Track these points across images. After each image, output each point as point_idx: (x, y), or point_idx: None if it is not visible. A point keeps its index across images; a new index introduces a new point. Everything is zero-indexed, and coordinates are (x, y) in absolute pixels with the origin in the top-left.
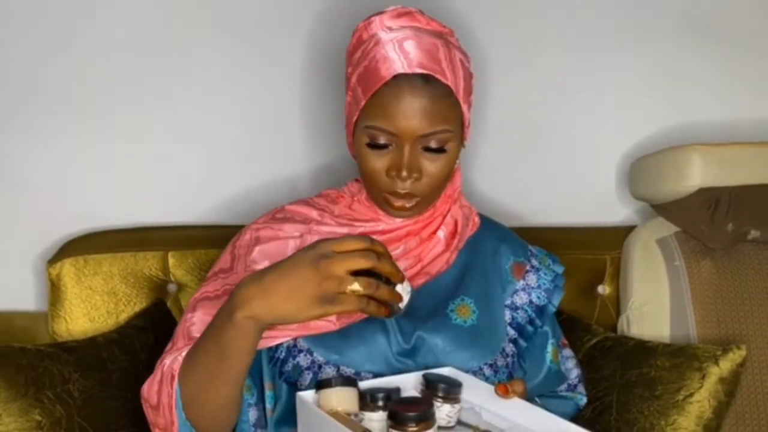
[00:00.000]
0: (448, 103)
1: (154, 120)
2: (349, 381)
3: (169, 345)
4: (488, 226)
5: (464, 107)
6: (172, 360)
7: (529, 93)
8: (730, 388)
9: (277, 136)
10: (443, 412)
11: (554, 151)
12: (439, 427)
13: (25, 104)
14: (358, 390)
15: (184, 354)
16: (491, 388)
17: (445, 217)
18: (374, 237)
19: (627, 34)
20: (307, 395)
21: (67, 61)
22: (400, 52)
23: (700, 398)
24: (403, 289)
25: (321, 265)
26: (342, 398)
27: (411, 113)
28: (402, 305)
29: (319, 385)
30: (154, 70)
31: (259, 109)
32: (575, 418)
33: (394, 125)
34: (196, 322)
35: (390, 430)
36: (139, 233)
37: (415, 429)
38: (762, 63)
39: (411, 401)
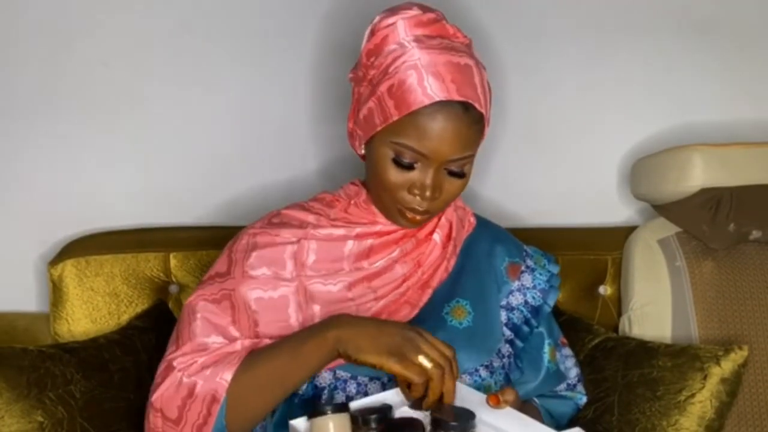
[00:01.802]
0: (478, 129)
1: (156, 121)
2: (341, 407)
3: (173, 347)
4: (484, 226)
5: (487, 129)
6: (206, 380)
7: (530, 94)
8: (732, 389)
9: (277, 137)
10: None
11: (555, 151)
12: None
13: (27, 106)
14: (350, 415)
15: (228, 375)
16: (483, 397)
17: (440, 218)
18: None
19: (628, 34)
20: (299, 424)
21: (69, 63)
22: (440, 74)
23: (702, 398)
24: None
25: (410, 333)
26: (334, 425)
27: (446, 138)
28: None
29: (311, 413)
30: (156, 71)
31: (260, 111)
32: (575, 418)
33: (427, 148)
34: (200, 326)
35: None
36: (140, 234)
37: None
38: (763, 63)
39: (403, 423)
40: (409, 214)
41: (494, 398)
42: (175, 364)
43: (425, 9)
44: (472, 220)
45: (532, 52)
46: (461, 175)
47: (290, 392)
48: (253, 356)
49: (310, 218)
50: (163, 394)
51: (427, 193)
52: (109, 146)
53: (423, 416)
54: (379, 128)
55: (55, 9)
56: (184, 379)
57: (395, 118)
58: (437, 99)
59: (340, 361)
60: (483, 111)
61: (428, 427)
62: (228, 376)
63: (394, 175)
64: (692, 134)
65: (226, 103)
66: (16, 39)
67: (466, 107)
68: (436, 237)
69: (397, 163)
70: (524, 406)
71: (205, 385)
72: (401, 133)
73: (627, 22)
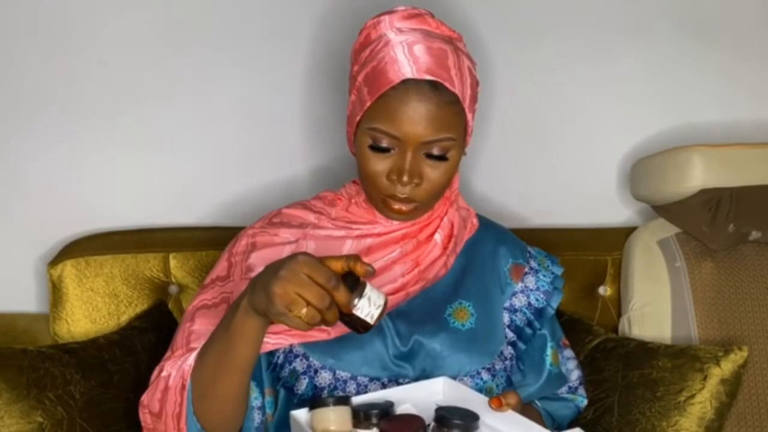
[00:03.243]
0: (453, 111)
1: (155, 121)
2: (342, 400)
3: (168, 353)
4: (487, 227)
5: (469, 115)
6: (178, 369)
7: (530, 94)
8: (732, 389)
9: (276, 137)
10: None
11: (555, 152)
12: None
13: (26, 107)
14: (352, 408)
15: (192, 359)
16: (485, 400)
17: (442, 219)
18: (371, 238)
19: (628, 35)
20: (300, 414)
21: (68, 64)
22: (409, 56)
23: (702, 399)
24: (372, 303)
25: (279, 275)
26: (335, 417)
27: (416, 119)
28: (371, 319)
29: (313, 404)
30: (155, 72)
31: (259, 111)
32: (576, 420)
33: (399, 129)
34: (195, 331)
35: None
36: (140, 235)
37: None
38: (763, 64)
39: (403, 419)
40: (395, 205)
41: (496, 401)
42: (166, 365)
43: (412, 8)
44: (475, 221)
45: (532, 52)
46: (442, 159)
47: (247, 370)
48: (203, 347)
49: (311, 217)
50: (148, 394)
51: (405, 178)
52: (108, 147)
53: (426, 414)
54: (358, 118)
55: (55, 9)
56: (163, 374)
57: (368, 103)
58: (404, 78)
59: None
60: (456, 92)
61: (432, 424)
62: (191, 360)
63: (373, 162)
64: (692, 135)
65: (226, 104)
66: (15, 39)
67: (435, 86)
68: (437, 237)
69: (375, 149)
70: (525, 408)
71: (176, 374)
72: (375, 117)
73: (627, 22)
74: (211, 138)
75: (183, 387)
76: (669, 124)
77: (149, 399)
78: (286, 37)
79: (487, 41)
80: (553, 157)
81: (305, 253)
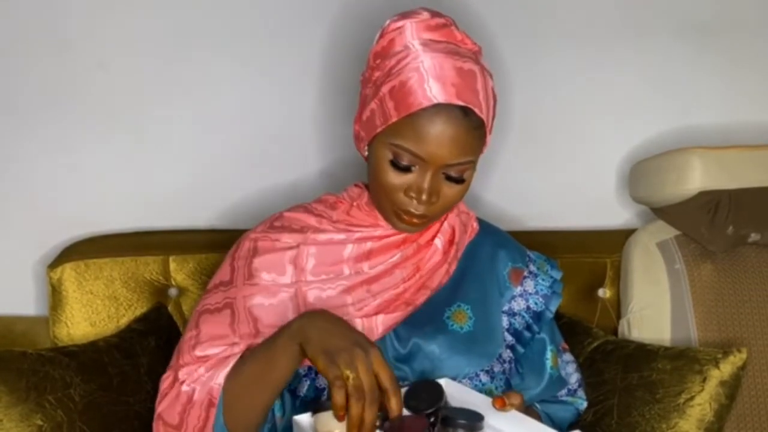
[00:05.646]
0: (478, 135)
1: (155, 124)
2: None
3: (174, 359)
4: (487, 231)
5: (489, 136)
6: (203, 385)
7: (529, 97)
8: (731, 391)
9: (277, 140)
10: None
11: (555, 154)
12: None
13: (26, 109)
14: None
15: (221, 377)
16: (488, 400)
17: (442, 224)
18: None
19: (627, 37)
20: (303, 419)
21: (68, 67)
22: (442, 77)
23: (701, 401)
24: None
25: (359, 351)
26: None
27: (444, 142)
28: None
29: (316, 408)
30: (156, 75)
31: (260, 114)
32: (576, 423)
33: (424, 150)
34: (200, 337)
35: None
36: (139, 237)
37: None
38: (762, 66)
39: (406, 421)
40: (406, 217)
41: (500, 401)
42: (180, 375)
43: (435, 14)
44: (475, 225)
45: (531, 54)
46: (460, 181)
47: (279, 389)
48: (240, 359)
49: (312, 220)
50: (164, 402)
51: (424, 197)
52: (108, 149)
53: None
54: (379, 129)
55: (55, 12)
56: (184, 388)
57: (394, 119)
58: (436, 101)
59: None
60: (483, 117)
61: (438, 425)
62: (221, 379)
63: (392, 177)
64: (691, 137)
65: (227, 106)
66: (15, 42)
67: (465, 112)
68: (438, 242)
69: (395, 165)
70: (525, 411)
71: (202, 390)
72: (400, 134)
73: (625, 25)
74: (212, 141)
75: (211, 404)
76: (668, 127)
77: (166, 410)
78: (289, 41)
79: (485, 44)
80: (552, 160)
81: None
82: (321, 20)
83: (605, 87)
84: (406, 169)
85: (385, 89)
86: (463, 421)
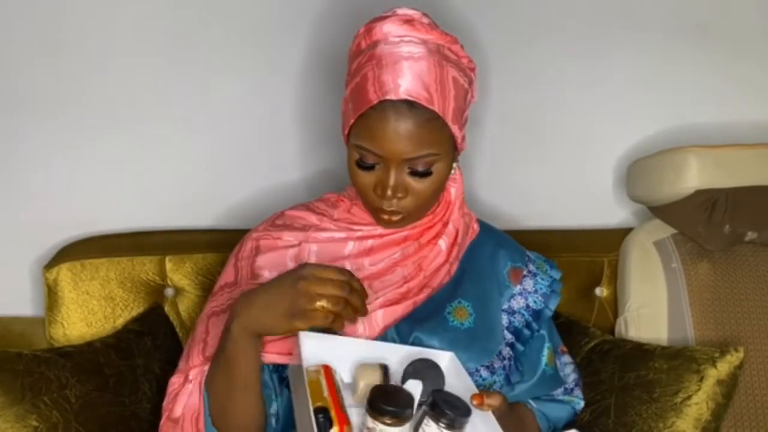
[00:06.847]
0: (433, 127)
1: (152, 124)
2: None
3: (182, 363)
4: (487, 231)
5: (454, 128)
6: (184, 406)
7: (526, 96)
8: (728, 391)
9: (275, 140)
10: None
11: (551, 153)
12: None
13: (23, 109)
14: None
15: (195, 396)
16: (474, 391)
17: (446, 225)
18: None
19: (624, 36)
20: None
21: (65, 66)
22: (390, 74)
23: (698, 401)
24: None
25: (298, 284)
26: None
27: (396, 138)
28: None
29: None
30: (152, 75)
31: (257, 113)
32: (573, 422)
33: (380, 148)
34: (209, 339)
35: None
36: (136, 238)
37: (389, 422)
38: (759, 65)
39: (392, 392)
40: (382, 215)
41: (478, 398)
42: (190, 375)
43: (406, 11)
44: (476, 226)
45: (527, 54)
46: (426, 174)
47: (251, 388)
48: (209, 371)
49: (313, 219)
50: (185, 404)
51: (388, 192)
52: (104, 150)
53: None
54: (346, 131)
55: (53, 13)
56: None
57: (353, 120)
58: (380, 99)
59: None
60: (434, 108)
61: (425, 407)
62: (195, 398)
63: (361, 176)
64: (688, 136)
65: (223, 107)
66: (12, 43)
67: (410, 104)
68: (442, 243)
69: (361, 165)
70: (519, 408)
71: (185, 408)
72: (359, 135)
73: (623, 24)
74: (208, 141)
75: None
76: (665, 125)
77: (186, 410)
78: (286, 39)
79: (483, 43)
80: (549, 159)
81: (304, 263)
82: (315, 21)
83: (602, 86)
84: (371, 168)
85: (347, 92)
86: (448, 413)
